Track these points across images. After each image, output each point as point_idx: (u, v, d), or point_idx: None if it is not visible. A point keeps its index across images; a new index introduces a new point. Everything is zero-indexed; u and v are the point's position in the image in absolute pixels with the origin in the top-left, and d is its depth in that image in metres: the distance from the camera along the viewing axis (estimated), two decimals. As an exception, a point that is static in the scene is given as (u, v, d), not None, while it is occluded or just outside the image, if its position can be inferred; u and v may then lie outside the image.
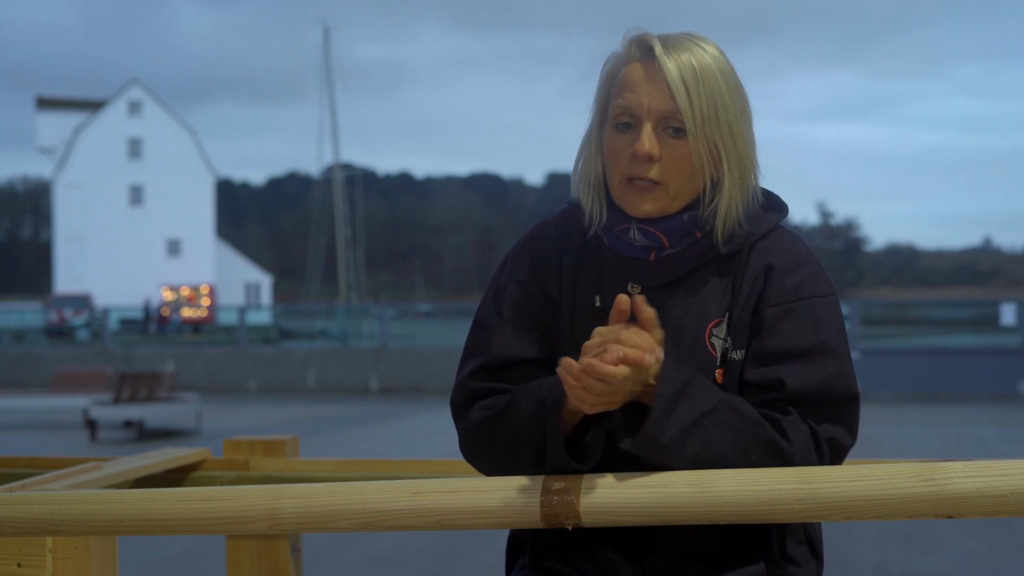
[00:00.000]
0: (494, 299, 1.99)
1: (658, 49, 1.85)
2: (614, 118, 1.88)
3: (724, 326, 1.91)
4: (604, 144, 1.91)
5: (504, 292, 1.99)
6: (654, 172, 1.86)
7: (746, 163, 1.89)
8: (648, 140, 1.85)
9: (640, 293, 1.93)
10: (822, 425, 1.84)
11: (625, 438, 1.77)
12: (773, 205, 1.99)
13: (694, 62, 1.84)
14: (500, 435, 1.88)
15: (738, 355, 1.90)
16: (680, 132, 1.86)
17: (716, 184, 1.89)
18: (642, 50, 1.88)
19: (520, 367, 1.94)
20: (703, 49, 1.87)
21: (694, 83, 1.83)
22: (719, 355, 1.90)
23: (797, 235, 1.98)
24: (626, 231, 1.92)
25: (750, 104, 1.92)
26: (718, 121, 1.85)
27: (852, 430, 1.87)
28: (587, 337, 1.93)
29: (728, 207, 1.89)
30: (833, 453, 1.84)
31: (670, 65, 1.84)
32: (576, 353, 1.93)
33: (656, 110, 1.85)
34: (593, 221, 1.94)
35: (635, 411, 1.78)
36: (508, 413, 1.87)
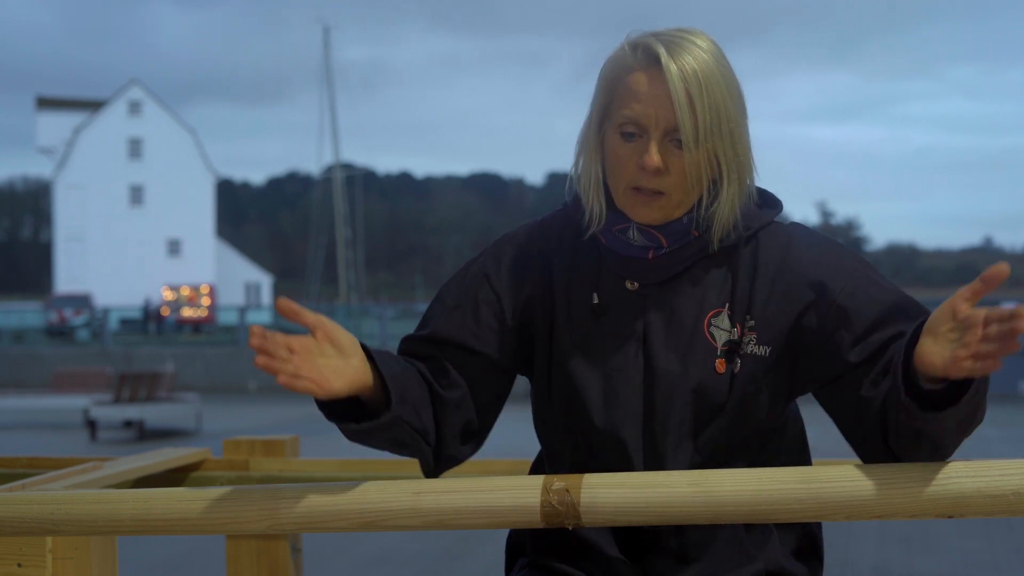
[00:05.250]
0: (458, 280, 2.01)
1: (664, 59, 1.84)
2: (619, 126, 1.87)
3: (725, 317, 1.91)
4: (607, 147, 1.91)
5: (467, 278, 2.01)
6: (660, 183, 1.86)
7: (744, 167, 1.90)
8: (655, 154, 1.84)
9: (638, 289, 1.94)
10: None
11: (946, 404, 1.65)
12: (767, 202, 1.99)
13: (698, 72, 1.83)
14: None
15: (762, 351, 1.90)
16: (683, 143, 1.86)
17: (711, 188, 1.90)
18: (648, 58, 1.86)
19: (454, 349, 1.96)
20: (704, 52, 1.85)
21: (699, 96, 1.82)
22: (719, 345, 1.91)
23: (796, 223, 1.99)
24: (625, 231, 1.92)
25: (746, 104, 1.92)
26: (720, 131, 1.85)
27: None
28: (585, 334, 1.94)
29: (728, 212, 1.89)
30: None
31: (675, 77, 1.82)
32: (574, 350, 1.94)
33: (664, 122, 1.84)
34: (593, 220, 1.94)
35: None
36: None
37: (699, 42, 1.86)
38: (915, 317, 1.81)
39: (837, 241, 1.97)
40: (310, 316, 1.70)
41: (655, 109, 1.84)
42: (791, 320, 1.90)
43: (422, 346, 1.98)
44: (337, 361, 1.72)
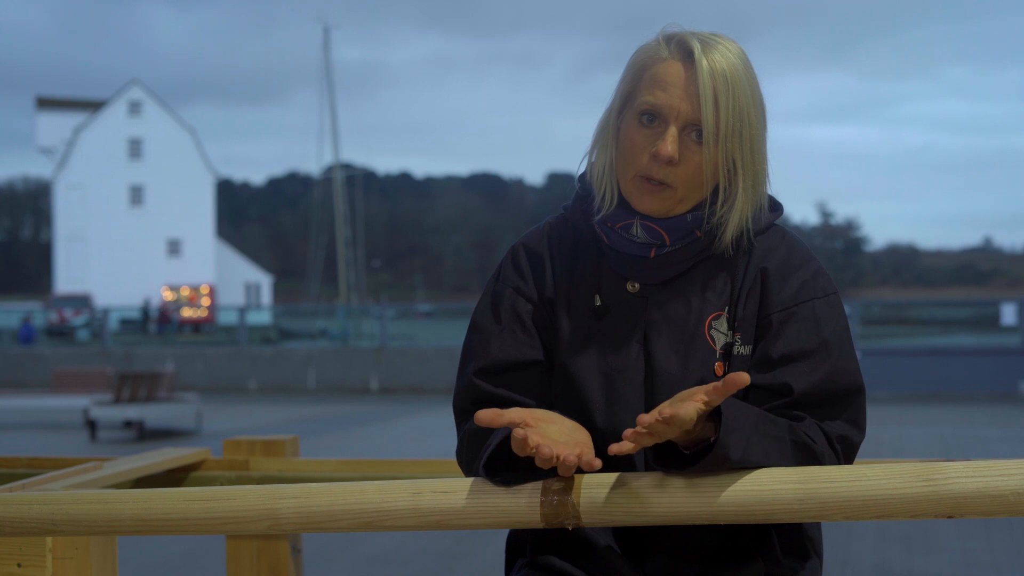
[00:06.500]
0: (491, 305, 2.00)
1: (697, 53, 1.86)
2: (639, 112, 1.89)
3: (724, 320, 1.92)
4: (621, 133, 1.92)
5: (501, 297, 2.00)
6: (670, 175, 1.87)
7: (760, 177, 1.91)
8: (671, 144, 1.85)
9: (639, 290, 1.94)
10: (829, 423, 1.85)
11: (684, 462, 1.72)
12: (769, 204, 2.00)
13: (727, 73, 1.85)
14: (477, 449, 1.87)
15: (746, 350, 1.91)
16: (703, 139, 1.87)
17: (726, 192, 1.90)
18: (682, 51, 1.88)
19: (521, 370, 1.95)
20: (735, 56, 1.87)
21: (725, 95, 1.84)
22: (718, 348, 1.91)
23: (794, 234, 2.00)
24: (628, 227, 1.93)
25: (767, 119, 1.93)
26: (740, 135, 1.86)
27: (859, 425, 1.88)
28: (585, 336, 1.95)
29: (739, 218, 1.90)
30: (845, 451, 1.85)
31: (705, 73, 1.84)
32: (577, 351, 1.94)
33: (685, 115, 1.86)
34: (604, 205, 1.95)
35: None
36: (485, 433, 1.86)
37: (731, 47, 1.89)
38: (822, 371, 1.85)
39: (821, 267, 1.96)
40: (510, 414, 1.70)
41: (679, 100, 1.85)
42: (756, 317, 1.92)
43: (493, 380, 1.94)
44: (563, 425, 1.75)
